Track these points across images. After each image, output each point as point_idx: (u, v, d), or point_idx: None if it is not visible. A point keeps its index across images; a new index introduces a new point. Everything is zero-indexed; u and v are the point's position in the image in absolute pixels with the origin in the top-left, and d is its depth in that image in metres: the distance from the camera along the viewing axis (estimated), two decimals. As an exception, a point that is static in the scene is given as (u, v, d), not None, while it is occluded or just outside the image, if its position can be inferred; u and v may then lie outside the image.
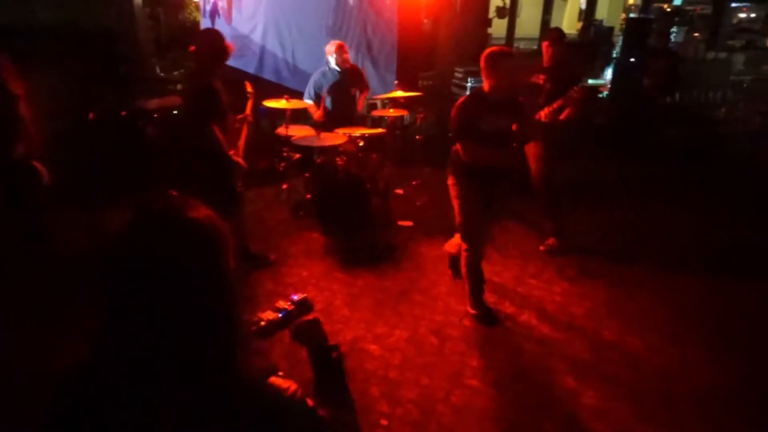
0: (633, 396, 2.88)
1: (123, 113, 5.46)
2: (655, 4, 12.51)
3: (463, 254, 3.46)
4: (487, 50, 3.24)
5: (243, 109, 4.19)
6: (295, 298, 3.88)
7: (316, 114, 5.18)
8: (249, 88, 4.34)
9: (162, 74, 7.69)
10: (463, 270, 3.50)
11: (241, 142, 4.00)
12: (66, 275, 3.59)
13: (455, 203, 3.45)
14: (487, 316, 3.47)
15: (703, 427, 2.69)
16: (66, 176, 4.16)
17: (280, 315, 3.73)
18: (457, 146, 3.35)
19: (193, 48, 3.62)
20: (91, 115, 3.34)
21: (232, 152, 3.69)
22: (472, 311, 3.51)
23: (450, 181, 3.50)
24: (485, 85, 3.26)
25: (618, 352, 3.23)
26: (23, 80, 3.33)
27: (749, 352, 3.26)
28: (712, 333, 3.43)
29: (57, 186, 3.60)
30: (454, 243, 3.72)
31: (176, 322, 0.86)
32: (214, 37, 3.63)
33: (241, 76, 7.53)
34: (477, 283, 3.49)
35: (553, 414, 2.75)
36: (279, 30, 6.78)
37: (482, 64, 3.21)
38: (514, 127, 3.35)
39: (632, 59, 6.65)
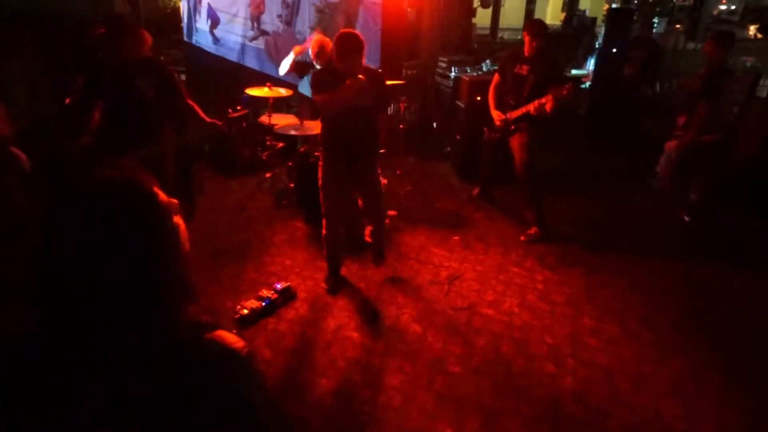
0: (610, 379, 2.95)
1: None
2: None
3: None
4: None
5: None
6: (279, 286, 3.91)
7: (302, 46, 5.08)
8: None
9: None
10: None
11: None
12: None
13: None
14: (332, 291, 3.70)
15: (678, 409, 2.76)
16: (45, 162, 4.12)
17: (264, 303, 3.75)
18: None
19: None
20: (67, 101, 3.27)
21: None
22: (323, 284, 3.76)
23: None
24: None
25: (596, 337, 3.30)
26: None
27: (719, 336, 3.36)
28: (684, 318, 3.53)
29: (36, 172, 3.54)
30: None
31: (110, 276, 0.85)
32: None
33: (225, 64, 7.47)
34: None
35: (533, 398, 2.80)
36: (260, 18, 6.71)
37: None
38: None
39: (614, 50, 6.71)
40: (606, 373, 3.00)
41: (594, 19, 12.26)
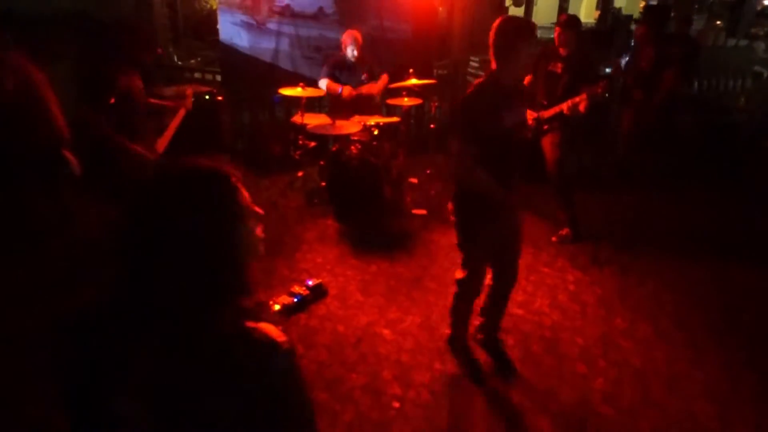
0: (642, 380, 2.92)
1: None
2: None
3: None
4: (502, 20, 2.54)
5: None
6: (310, 283, 3.98)
7: (345, 91, 5.12)
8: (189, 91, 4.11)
9: (179, 62, 7.78)
10: None
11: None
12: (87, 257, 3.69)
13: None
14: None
15: (711, 409, 2.72)
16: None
17: (295, 300, 3.82)
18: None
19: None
20: (112, 100, 3.39)
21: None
22: None
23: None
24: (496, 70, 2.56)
25: (628, 338, 3.26)
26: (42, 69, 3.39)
27: (753, 337, 3.29)
28: (718, 318, 3.47)
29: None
30: None
31: (176, 269, 0.91)
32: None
33: (258, 64, 7.59)
34: None
35: (563, 398, 2.79)
36: (294, 18, 6.81)
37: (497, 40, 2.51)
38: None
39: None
40: (638, 374, 2.96)
41: (629, 17, 12.01)
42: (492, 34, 2.50)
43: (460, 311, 3.04)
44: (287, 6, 6.71)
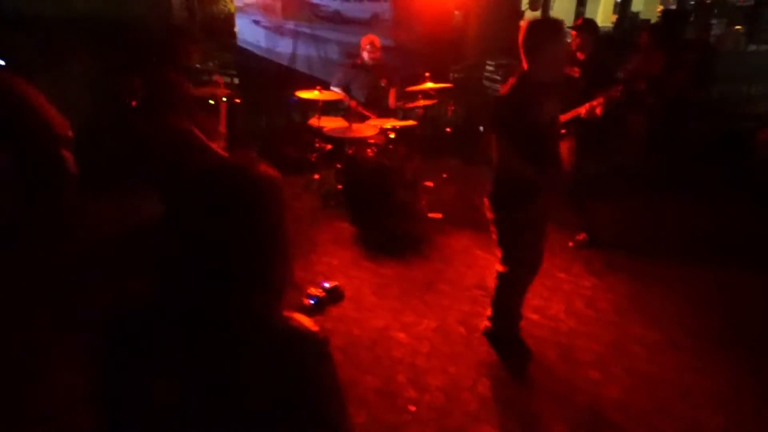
0: (654, 389, 2.90)
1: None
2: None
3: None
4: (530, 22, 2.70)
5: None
6: (327, 285, 4.00)
7: (352, 105, 5.21)
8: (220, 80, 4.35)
9: (197, 65, 7.85)
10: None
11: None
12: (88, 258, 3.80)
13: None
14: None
15: (720, 419, 2.70)
16: (102, 164, 4.36)
17: (312, 301, 3.85)
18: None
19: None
20: (133, 103, 3.47)
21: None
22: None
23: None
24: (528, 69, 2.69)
25: (641, 345, 3.25)
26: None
27: (762, 345, 3.27)
28: (728, 326, 3.44)
29: (93, 173, 3.76)
30: None
31: (225, 269, 0.95)
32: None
33: (275, 67, 7.66)
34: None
35: (576, 405, 2.79)
36: (311, 21, 6.86)
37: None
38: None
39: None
40: (650, 383, 2.95)
41: (647, 21, 11.92)
42: (521, 36, 2.64)
43: (507, 303, 3.13)
44: (336, 12, 6.74)
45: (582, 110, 4.08)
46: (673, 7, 11.91)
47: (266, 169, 1.02)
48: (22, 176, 3.48)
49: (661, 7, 14.80)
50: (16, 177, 3.43)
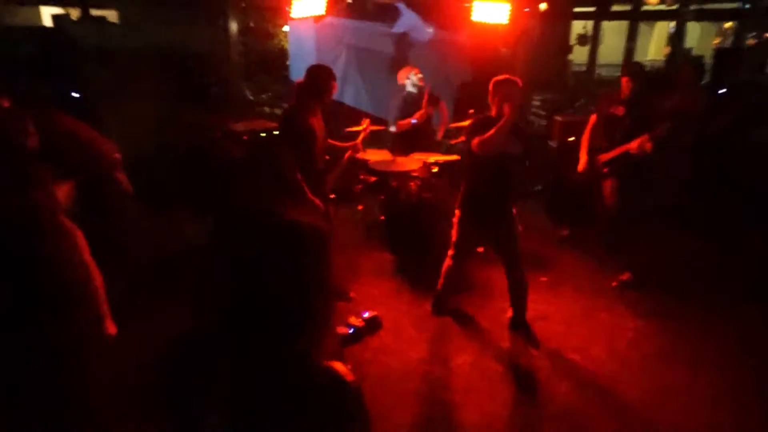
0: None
1: (216, 134, 5.89)
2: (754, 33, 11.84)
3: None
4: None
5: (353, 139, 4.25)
6: (366, 315, 4.06)
7: (418, 116, 5.20)
8: (364, 124, 4.36)
9: (251, 97, 8.22)
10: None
11: (333, 175, 3.97)
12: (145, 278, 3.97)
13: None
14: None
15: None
16: (158, 188, 4.59)
17: (351, 330, 3.90)
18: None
19: (299, 81, 3.73)
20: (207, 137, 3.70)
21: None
22: None
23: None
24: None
25: (687, 394, 3.13)
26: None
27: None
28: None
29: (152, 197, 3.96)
30: None
31: (274, 310, 1.02)
32: (319, 72, 3.66)
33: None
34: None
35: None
36: (359, 58, 7.10)
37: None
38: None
39: (719, 92, 6.39)
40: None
41: (700, 58, 11.70)
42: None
43: None
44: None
45: (633, 146, 4.04)
46: (727, 45, 11.63)
47: (317, 225, 1.09)
48: (86, 202, 3.71)
49: (716, 42, 14.49)
50: (82, 204, 3.67)
